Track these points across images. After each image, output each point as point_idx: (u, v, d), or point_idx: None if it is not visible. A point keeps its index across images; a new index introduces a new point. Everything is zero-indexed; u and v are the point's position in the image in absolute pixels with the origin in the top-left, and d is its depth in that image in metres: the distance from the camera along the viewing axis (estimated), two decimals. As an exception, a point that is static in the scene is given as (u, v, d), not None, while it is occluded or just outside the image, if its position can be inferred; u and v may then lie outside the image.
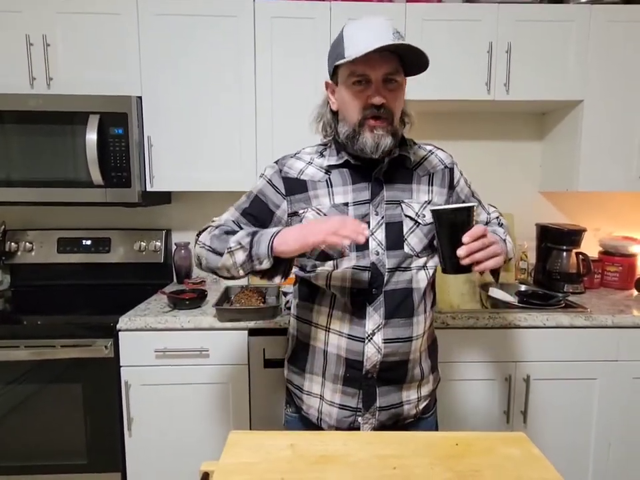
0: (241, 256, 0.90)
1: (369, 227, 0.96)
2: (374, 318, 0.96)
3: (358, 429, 0.99)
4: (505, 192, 2.09)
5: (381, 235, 0.96)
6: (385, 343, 0.96)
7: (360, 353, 0.96)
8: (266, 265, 0.88)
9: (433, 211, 0.86)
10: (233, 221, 1.01)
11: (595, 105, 1.76)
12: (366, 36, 0.87)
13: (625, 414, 1.57)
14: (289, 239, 0.86)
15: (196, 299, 1.62)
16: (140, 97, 1.70)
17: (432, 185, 1.02)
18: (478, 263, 0.84)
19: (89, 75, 1.67)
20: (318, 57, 1.69)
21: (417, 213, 0.98)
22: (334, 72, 0.96)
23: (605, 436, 1.58)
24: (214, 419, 1.53)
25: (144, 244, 1.96)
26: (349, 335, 0.97)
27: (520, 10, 1.71)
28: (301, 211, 0.98)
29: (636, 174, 1.79)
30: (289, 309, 1.34)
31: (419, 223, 0.98)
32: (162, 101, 1.70)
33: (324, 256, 0.97)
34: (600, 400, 1.56)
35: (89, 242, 1.96)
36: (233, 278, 0.96)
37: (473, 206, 0.85)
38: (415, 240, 0.98)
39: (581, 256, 1.83)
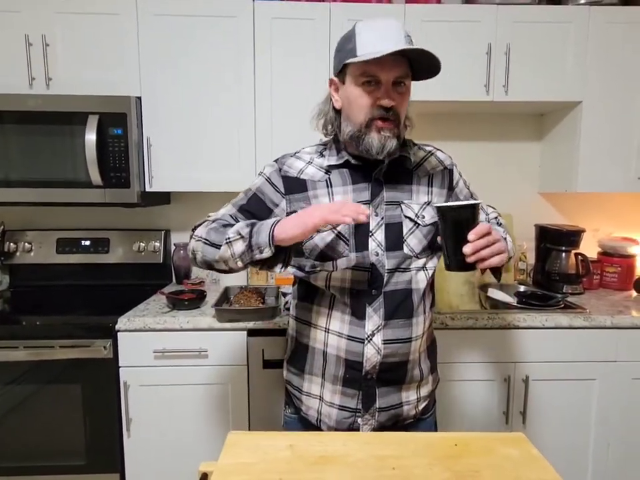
0: (240, 246, 0.89)
1: (368, 227, 0.96)
2: (373, 319, 0.96)
3: (357, 430, 0.99)
4: (504, 193, 2.10)
5: (380, 235, 0.96)
6: (384, 343, 0.96)
7: (359, 353, 0.96)
8: (267, 253, 0.87)
9: (438, 208, 0.85)
10: (230, 216, 1.00)
11: (593, 106, 1.77)
12: (380, 37, 0.87)
13: (623, 414, 1.57)
14: (288, 226, 0.85)
15: (195, 299, 1.62)
16: (139, 97, 1.70)
17: (431, 186, 1.02)
18: (482, 260, 0.84)
19: (88, 75, 1.67)
20: (317, 57, 1.70)
21: (416, 214, 0.98)
22: (341, 69, 0.94)
23: (604, 436, 1.58)
24: (213, 419, 1.53)
25: (143, 244, 1.96)
26: (348, 335, 0.97)
27: (519, 11, 1.71)
28: (299, 210, 0.98)
29: (635, 175, 1.80)
30: (288, 309, 1.34)
31: (419, 224, 0.98)
32: (161, 102, 1.70)
33: (323, 256, 0.97)
34: (599, 400, 1.56)
35: (87, 242, 1.96)
36: (229, 271, 0.94)
37: (478, 203, 0.85)
38: (414, 241, 0.98)
39: (579, 257, 1.83)
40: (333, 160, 1.00)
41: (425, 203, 1.00)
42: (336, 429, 1.00)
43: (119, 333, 1.49)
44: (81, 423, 1.49)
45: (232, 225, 0.93)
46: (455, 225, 0.84)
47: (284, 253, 0.90)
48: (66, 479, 1.51)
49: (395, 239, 0.97)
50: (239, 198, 1.04)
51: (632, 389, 1.56)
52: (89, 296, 1.85)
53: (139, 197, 1.70)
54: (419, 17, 1.68)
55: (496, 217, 1.17)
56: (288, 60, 1.71)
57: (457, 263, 0.85)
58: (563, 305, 1.65)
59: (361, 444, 0.77)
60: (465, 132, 2.08)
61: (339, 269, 0.96)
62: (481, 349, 1.54)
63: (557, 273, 1.87)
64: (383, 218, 0.97)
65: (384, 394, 0.99)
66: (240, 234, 0.89)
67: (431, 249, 1.01)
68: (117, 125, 1.64)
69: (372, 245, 0.96)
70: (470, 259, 0.83)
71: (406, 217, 0.98)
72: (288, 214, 0.99)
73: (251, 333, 1.51)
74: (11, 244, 1.93)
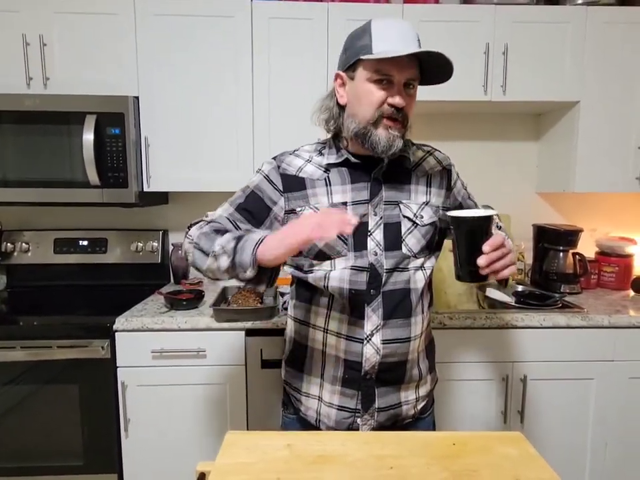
0: (224, 262, 0.87)
1: (367, 227, 0.96)
2: (372, 319, 0.95)
3: (357, 430, 0.99)
4: (502, 193, 2.10)
5: (379, 235, 0.96)
6: (383, 343, 0.95)
7: (359, 353, 0.96)
8: (250, 274, 0.84)
9: (453, 218, 0.84)
10: (227, 217, 0.99)
11: (591, 106, 1.77)
12: (397, 36, 0.87)
13: (621, 414, 1.57)
14: (273, 246, 0.82)
15: (193, 299, 1.62)
16: (137, 97, 1.69)
17: (430, 186, 1.02)
18: (495, 272, 0.84)
19: (85, 75, 1.67)
20: (315, 57, 1.70)
21: (415, 214, 0.98)
22: (351, 64, 0.92)
23: (602, 436, 1.58)
24: (211, 419, 1.53)
25: (141, 244, 1.95)
26: (347, 335, 0.96)
27: (516, 11, 1.71)
28: (298, 209, 0.98)
29: (632, 175, 1.80)
30: (286, 309, 1.34)
31: (417, 224, 0.98)
32: (159, 101, 1.70)
33: (321, 256, 0.97)
34: (597, 400, 1.57)
35: (85, 242, 1.96)
36: (221, 279, 0.93)
37: (494, 214, 0.84)
38: (412, 241, 0.98)
39: (577, 256, 1.83)
40: (332, 158, 1.00)
41: (424, 203, 1.00)
42: (335, 430, 1.00)
43: (116, 333, 1.49)
44: (79, 423, 1.49)
45: (223, 233, 0.90)
46: (469, 235, 0.83)
47: (269, 272, 0.88)
48: (64, 479, 1.51)
49: (393, 238, 0.97)
50: (236, 196, 1.03)
51: (629, 388, 1.57)
52: (87, 296, 1.85)
53: (137, 196, 1.69)
54: (417, 17, 1.69)
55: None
56: (286, 60, 1.71)
57: (470, 273, 0.85)
58: (560, 305, 1.66)
59: (359, 443, 0.77)
60: (463, 132, 2.09)
61: (338, 269, 0.96)
62: (479, 348, 1.54)
63: (554, 273, 1.87)
64: (381, 217, 0.97)
65: (383, 394, 0.99)
66: (224, 249, 0.87)
67: (429, 248, 1.01)
68: (115, 124, 1.63)
69: (371, 244, 0.96)
70: (484, 271, 0.83)
71: (404, 216, 0.97)
72: (286, 212, 0.98)
73: (249, 332, 1.50)
74: (8, 244, 1.92)
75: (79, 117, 1.61)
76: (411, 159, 1.02)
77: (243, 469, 0.70)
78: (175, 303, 1.58)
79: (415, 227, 0.98)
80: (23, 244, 1.93)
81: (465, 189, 1.13)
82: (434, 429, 1.13)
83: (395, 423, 1.02)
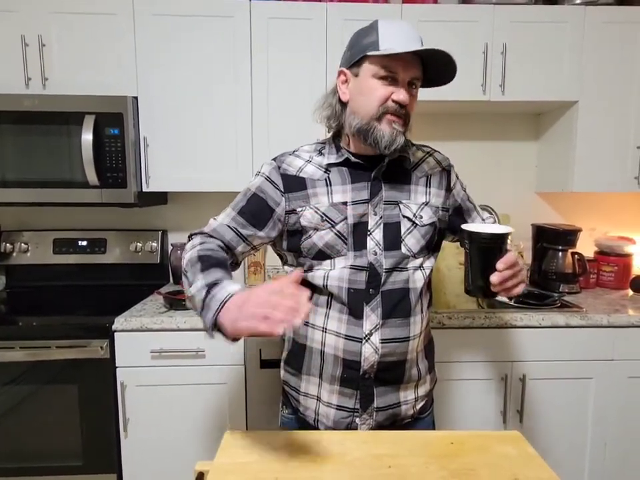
0: (195, 307, 0.83)
1: (367, 226, 0.96)
2: (371, 318, 0.95)
3: (355, 429, 0.99)
4: (500, 192, 2.10)
5: (379, 234, 0.96)
6: (382, 343, 0.95)
7: (357, 353, 0.96)
8: (209, 336, 0.79)
9: (469, 232, 0.83)
10: (228, 225, 0.98)
11: (589, 106, 1.77)
12: (403, 35, 0.88)
13: (620, 413, 1.58)
14: (227, 320, 0.75)
15: (192, 299, 1.61)
16: (136, 97, 1.69)
17: (429, 187, 1.02)
18: (506, 289, 0.84)
19: (84, 75, 1.67)
20: (314, 57, 1.70)
21: (414, 214, 0.98)
22: (356, 62, 0.93)
23: (601, 435, 1.58)
24: (210, 419, 1.53)
25: (140, 245, 1.95)
26: (346, 335, 0.96)
27: (515, 11, 1.72)
28: (299, 209, 0.97)
29: (631, 174, 1.80)
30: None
31: (417, 224, 0.98)
32: (158, 101, 1.70)
33: (321, 255, 0.97)
34: (596, 399, 1.57)
35: (84, 243, 1.96)
36: None
37: (510, 232, 0.83)
38: (412, 241, 0.98)
39: (576, 256, 1.83)
40: (333, 158, 0.99)
41: (423, 203, 1.00)
42: (334, 429, 0.99)
43: (115, 333, 1.49)
44: (78, 423, 1.49)
45: (209, 263, 0.87)
46: (484, 251, 0.83)
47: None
48: (63, 479, 1.51)
49: (393, 238, 0.97)
50: (238, 199, 1.02)
51: (629, 387, 1.57)
52: (86, 296, 1.85)
53: (136, 197, 1.69)
54: (416, 16, 1.69)
55: (494, 223, 1.17)
56: (285, 59, 1.71)
57: (481, 289, 0.85)
58: (559, 304, 1.66)
59: (357, 443, 0.77)
60: (462, 132, 2.09)
61: (337, 268, 0.96)
62: (478, 348, 1.54)
63: (553, 272, 1.87)
64: (381, 217, 0.97)
65: (382, 393, 0.98)
66: (194, 298, 0.83)
67: (428, 249, 1.01)
68: (114, 124, 1.63)
69: (370, 244, 0.96)
70: (496, 289, 0.83)
71: (404, 216, 0.97)
72: (287, 212, 0.98)
73: (248, 332, 1.50)
74: (7, 244, 1.92)
75: (77, 117, 1.61)
76: (410, 159, 1.02)
77: (241, 468, 0.70)
78: (174, 303, 1.58)
79: (415, 227, 0.98)
80: (22, 244, 1.93)
81: (464, 190, 1.13)
82: (433, 429, 1.13)
83: (394, 422, 1.02)
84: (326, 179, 0.98)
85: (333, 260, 0.96)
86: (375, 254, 0.95)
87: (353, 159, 0.98)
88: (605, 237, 2.05)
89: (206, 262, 0.88)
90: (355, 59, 0.93)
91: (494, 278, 0.82)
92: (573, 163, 1.80)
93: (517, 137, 2.11)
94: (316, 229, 0.95)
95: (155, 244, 1.97)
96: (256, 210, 0.99)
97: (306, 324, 1.02)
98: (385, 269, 0.96)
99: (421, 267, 1.00)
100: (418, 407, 1.04)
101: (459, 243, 1.24)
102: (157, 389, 1.51)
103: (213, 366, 1.51)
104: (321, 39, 1.68)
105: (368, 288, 0.95)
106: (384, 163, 0.97)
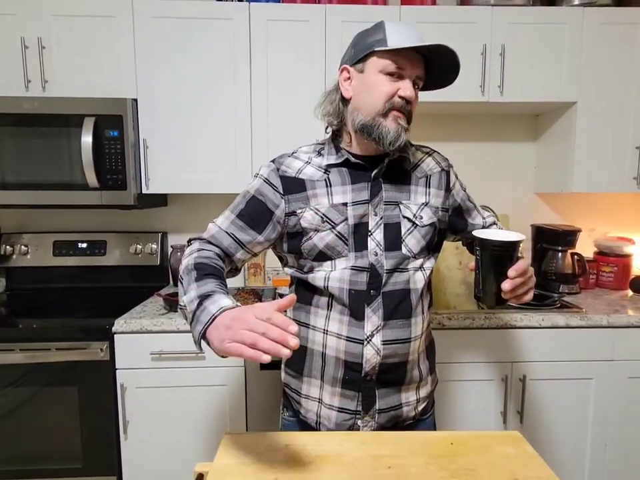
0: (185, 318, 0.84)
1: (368, 227, 0.96)
2: (372, 319, 0.95)
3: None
4: (500, 193, 2.11)
5: (379, 235, 0.96)
6: (383, 344, 0.95)
7: (359, 354, 0.95)
8: (196, 348, 0.80)
9: (480, 239, 0.83)
10: (225, 231, 0.98)
11: (588, 107, 1.78)
12: (409, 34, 0.90)
13: (621, 413, 1.58)
14: (214, 338, 0.74)
15: (192, 301, 1.61)
16: (135, 99, 1.70)
17: (429, 187, 1.02)
18: (517, 297, 0.84)
19: (84, 78, 1.67)
20: (313, 59, 1.70)
21: (414, 215, 0.98)
22: (361, 58, 0.93)
23: (602, 435, 1.58)
24: (210, 422, 1.53)
25: (140, 246, 1.96)
26: (347, 337, 0.96)
27: (513, 12, 1.72)
28: (298, 211, 0.97)
29: (630, 175, 1.81)
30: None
31: (417, 225, 0.98)
32: (157, 103, 1.71)
33: (322, 256, 0.97)
34: (596, 400, 1.57)
35: (84, 245, 1.96)
36: None
37: (522, 240, 0.83)
38: (412, 241, 0.98)
39: (576, 256, 1.83)
40: (332, 159, 0.99)
41: (423, 203, 1.00)
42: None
43: (115, 335, 1.49)
44: (78, 425, 1.49)
45: (203, 273, 0.87)
46: (495, 259, 0.82)
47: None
48: (63, 482, 1.51)
49: (393, 239, 0.96)
50: (236, 202, 1.02)
51: (629, 388, 1.57)
52: (86, 298, 1.85)
53: (136, 199, 1.70)
54: (415, 18, 1.69)
55: (494, 223, 1.17)
56: (284, 61, 1.71)
57: (492, 296, 0.84)
58: (559, 305, 1.66)
59: (357, 443, 0.77)
60: (461, 133, 2.09)
61: (338, 269, 0.96)
62: (478, 349, 1.54)
63: (553, 273, 1.87)
64: (381, 218, 0.96)
65: (383, 395, 0.98)
66: (185, 310, 0.83)
67: (428, 249, 1.01)
68: (113, 127, 1.64)
69: (371, 244, 0.96)
70: (507, 296, 0.83)
71: (404, 217, 0.97)
72: (287, 214, 0.98)
73: (248, 334, 1.50)
74: (7, 247, 1.92)
75: (77, 119, 1.62)
76: (410, 160, 1.02)
77: (241, 469, 0.70)
78: (174, 304, 1.58)
79: (415, 227, 0.98)
80: (22, 246, 1.93)
81: (464, 191, 1.13)
82: (434, 431, 1.13)
83: (396, 424, 1.01)
84: (325, 180, 0.98)
85: (333, 261, 0.96)
86: (376, 254, 0.95)
87: (352, 159, 0.98)
88: (604, 238, 2.05)
89: (201, 271, 0.88)
90: (360, 56, 0.93)
91: (505, 285, 0.81)
92: (572, 164, 1.81)
93: (516, 137, 2.11)
94: (316, 230, 0.95)
95: (154, 246, 1.97)
96: (255, 213, 0.99)
97: (307, 326, 1.02)
98: (386, 269, 0.95)
99: (421, 267, 1.00)
100: (420, 408, 1.04)
101: (460, 243, 1.25)
102: (156, 390, 1.50)
103: (213, 368, 1.51)
104: (319, 40, 1.69)
105: (369, 289, 0.95)
106: (384, 164, 0.97)
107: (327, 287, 0.96)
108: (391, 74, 0.90)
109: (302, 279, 1.01)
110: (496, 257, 0.82)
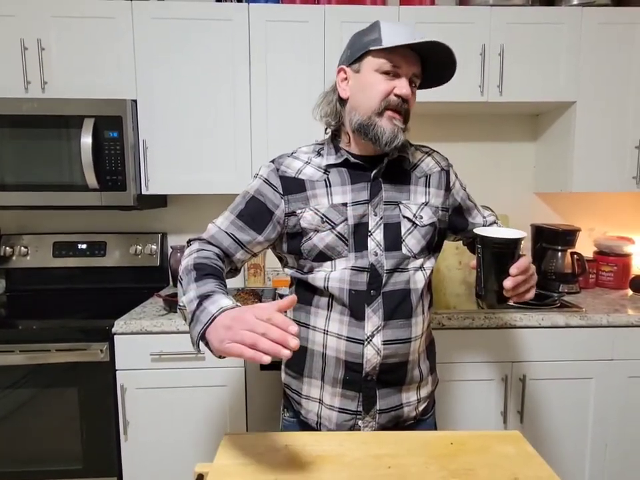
0: (184, 318, 0.84)
1: (368, 227, 0.96)
2: (373, 319, 0.95)
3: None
4: (499, 193, 2.11)
5: (379, 235, 0.96)
6: (384, 344, 0.95)
7: (359, 355, 0.95)
8: (194, 349, 0.80)
9: (481, 237, 0.83)
10: (226, 232, 0.98)
11: (587, 106, 1.78)
12: (405, 33, 0.89)
13: (621, 413, 1.58)
14: (214, 338, 0.73)
15: (192, 301, 1.61)
16: (135, 100, 1.70)
17: (429, 187, 1.02)
18: (519, 295, 0.84)
19: (83, 79, 1.68)
20: (312, 59, 1.70)
21: (414, 214, 0.98)
22: (357, 58, 0.93)
23: (602, 435, 1.58)
24: (210, 422, 1.53)
25: (140, 247, 1.96)
26: (347, 337, 0.96)
27: (512, 12, 1.72)
28: (298, 211, 0.97)
29: (629, 174, 1.81)
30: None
31: (417, 224, 0.98)
32: (157, 104, 1.71)
33: (322, 257, 0.97)
34: (596, 399, 1.57)
35: (84, 246, 1.96)
36: None
37: (523, 237, 0.83)
38: (412, 241, 0.97)
39: (575, 256, 1.83)
40: (332, 159, 0.99)
41: (423, 203, 1.00)
42: (336, 432, 0.99)
43: (115, 336, 1.49)
44: (78, 426, 1.49)
45: (202, 273, 0.87)
46: (496, 257, 0.82)
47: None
48: (63, 483, 1.51)
49: (393, 239, 0.96)
50: (236, 202, 1.02)
51: (629, 387, 1.57)
52: (86, 299, 1.85)
53: (135, 199, 1.70)
54: (413, 18, 1.69)
55: (495, 222, 1.17)
56: (283, 62, 1.71)
57: (493, 294, 0.84)
58: (559, 304, 1.66)
59: (357, 443, 0.77)
60: (460, 133, 2.09)
61: (338, 269, 0.96)
62: (478, 348, 1.54)
63: (553, 273, 1.87)
64: (381, 218, 0.96)
65: (384, 395, 0.98)
66: (185, 309, 0.83)
67: (428, 249, 1.01)
68: (113, 128, 1.64)
69: (371, 244, 0.96)
70: (509, 294, 0.82)
71: (404, 217, 0.97)
72: (286, 215, 0.98)
73: (248, 334, 1.50)
74: (7, 248, 1.92)
75: (77, 120, 1.62)
76: (410, 160, 1.02)
77: (241, 469, 0.70)
78: (174, 305, 1.58)
79: (415, 227, 0.98)
80: (22, 248, 1.93)
81: (464, 190, 1.13)
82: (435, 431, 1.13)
83: (397, 425, 1.01)
84: (325, 180, 0.98)
85: (333, 261, 0.96)
86: (376, 255, 0.95)
87: (352, 159, 0.98)
88: (604, 237, 2.05)
89: (200, 271, 0.88)
90: (356, 56, 0.94)
91: (507, 283, 0.81)
92: (572, 164, 1.81)
93: (515, 137, 2.11)
94: (316, 231, 0.95)
95: (154, 246, 1.97)
96: (255, 213, 0.99)
97: (307, 326, 1.02)
98: (386, 269, 0.95)
99: (421, 267, 1.00)
100: (420, 408, 1.04)
101: (460, 243, 1.25)
102: (156, 391, 1.50)
103: (213, 368, 1.51)
104: (318, 41, 1.69)
105: (369, 289, 0.95)
106: (383, 164, 0.97)
107: (327, 287, 0.96)
108: (386, 73, 0.90)
109: (302, 280, 1.01)
110: (497, 255, 0.82)
